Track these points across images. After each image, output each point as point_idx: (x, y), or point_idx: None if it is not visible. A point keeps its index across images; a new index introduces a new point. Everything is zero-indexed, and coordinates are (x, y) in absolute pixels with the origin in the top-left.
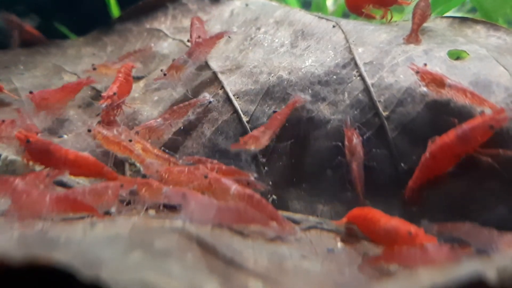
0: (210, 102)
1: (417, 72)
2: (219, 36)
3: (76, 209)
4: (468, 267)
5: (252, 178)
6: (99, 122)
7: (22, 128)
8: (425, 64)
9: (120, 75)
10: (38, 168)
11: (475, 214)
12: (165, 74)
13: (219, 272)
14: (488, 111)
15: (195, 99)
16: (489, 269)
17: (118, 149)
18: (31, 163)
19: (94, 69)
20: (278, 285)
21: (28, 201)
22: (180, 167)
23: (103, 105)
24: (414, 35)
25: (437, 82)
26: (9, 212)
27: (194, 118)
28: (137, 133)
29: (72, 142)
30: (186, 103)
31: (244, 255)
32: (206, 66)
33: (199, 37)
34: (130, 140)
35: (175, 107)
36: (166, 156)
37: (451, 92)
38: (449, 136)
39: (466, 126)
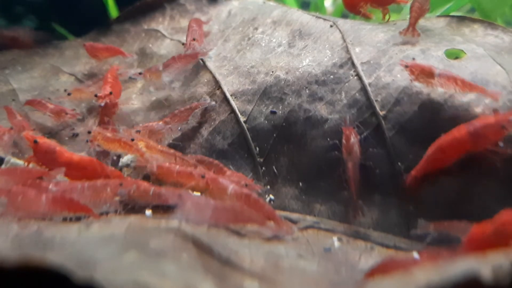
0: (212, 105)
1: (406, 67)
2: (193, 56)
3: (72, 209)
4: (463, 265)
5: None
6: (98, 125)
7: (15, 126)
8: (413, 59)
9: (109, 76)
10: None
11: (472, 212)
12: (140, 73)
13: (215, 272)
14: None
15: (195, 102)
16: (484, 267)
17: (118, 146)
18: (31, 165)
19: (69, 94)
20: (274, 284)
21: (24, 201)
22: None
23: (102, 104)
24: (412, 29)
25: (426, 73)
26: (5, 212)
27: (192, 119)
28: (138, 132)
29: (71, 144)
30: (187, 106)
31: (240, 255)
32: (203, 66)
33: (194, 39)
34: (133, 139)
35: (176, 111)
36: (171, 151)
37: (441, 81)
38: (460, 131)
39: (478, 123)
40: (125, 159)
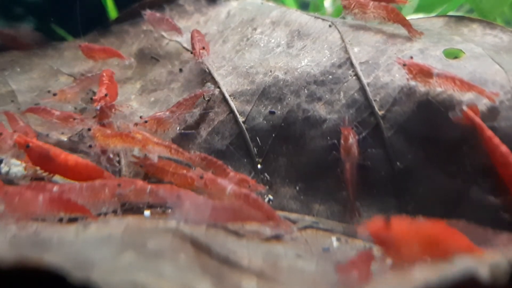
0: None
1: (404, 65)
2: (198, 95)
3: (70, 210)
4: (461, 265)
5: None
6: (99, 123)
7: (18, 132)
8: (411, 57)
9: (104, 78)
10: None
11: (470, 211)
12: (146, 122)
13: (212, 272)
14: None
15: (200, 90)
16: (481, 266)
17: (120, 140)
18: (29, 168)
19: (54, 94)
20: (272, 284)
21: (21, 202)
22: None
23: (98, 107)
24: (413, 30)
25: (425, 73)
26: (2, 213)
27: (190, 118)
28: (146, 122)
29: (69, 145)
30: (192, 94)
31: (239, 255)
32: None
33: (203, 48)
34: (129, 132)
35: (181, 100)
36: (167, 143)
37: (439, 81)
38: None
39: None
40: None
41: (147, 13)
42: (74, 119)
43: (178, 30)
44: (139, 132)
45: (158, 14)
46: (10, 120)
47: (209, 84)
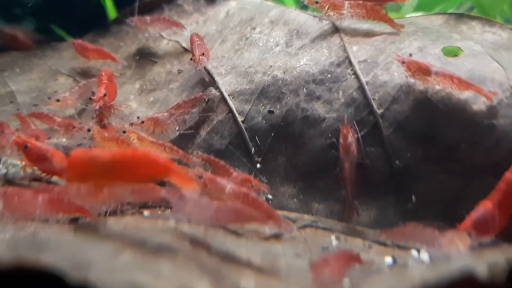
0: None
1: (403, 63)
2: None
3: (69, 210)
4: (459, 263)
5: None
6: (99, 124)
7: (29, 135)
8: (410, 55)
9: (103, 78)
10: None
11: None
12: (142, 122)
13: (211, 272)
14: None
15: (200, 93)
16: (479, 264)
17: (116, 144)
18: (28, 168)
19: (58, 100)
20: (270, 283)
21: (20, 203)
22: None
23: (97, 107)
24: (396, 25)
25: (423, 70)
26: (1, 214)
27: (189, 118)
28: (142, 122)
29: (68, 145)
30: (192, 97)
31: (237, 254)
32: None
33: (203, 54)
34: (124, 132)
35: (180, 102)
36: (161, 142)
37: (438, 79)
38: None
39: None
40: None
41: (134, 19)
42: (74, 127)
43: (179, 25)
44: (134, 131)
45: (148, 17)
46: (22, 123)
47: (210, 88)
